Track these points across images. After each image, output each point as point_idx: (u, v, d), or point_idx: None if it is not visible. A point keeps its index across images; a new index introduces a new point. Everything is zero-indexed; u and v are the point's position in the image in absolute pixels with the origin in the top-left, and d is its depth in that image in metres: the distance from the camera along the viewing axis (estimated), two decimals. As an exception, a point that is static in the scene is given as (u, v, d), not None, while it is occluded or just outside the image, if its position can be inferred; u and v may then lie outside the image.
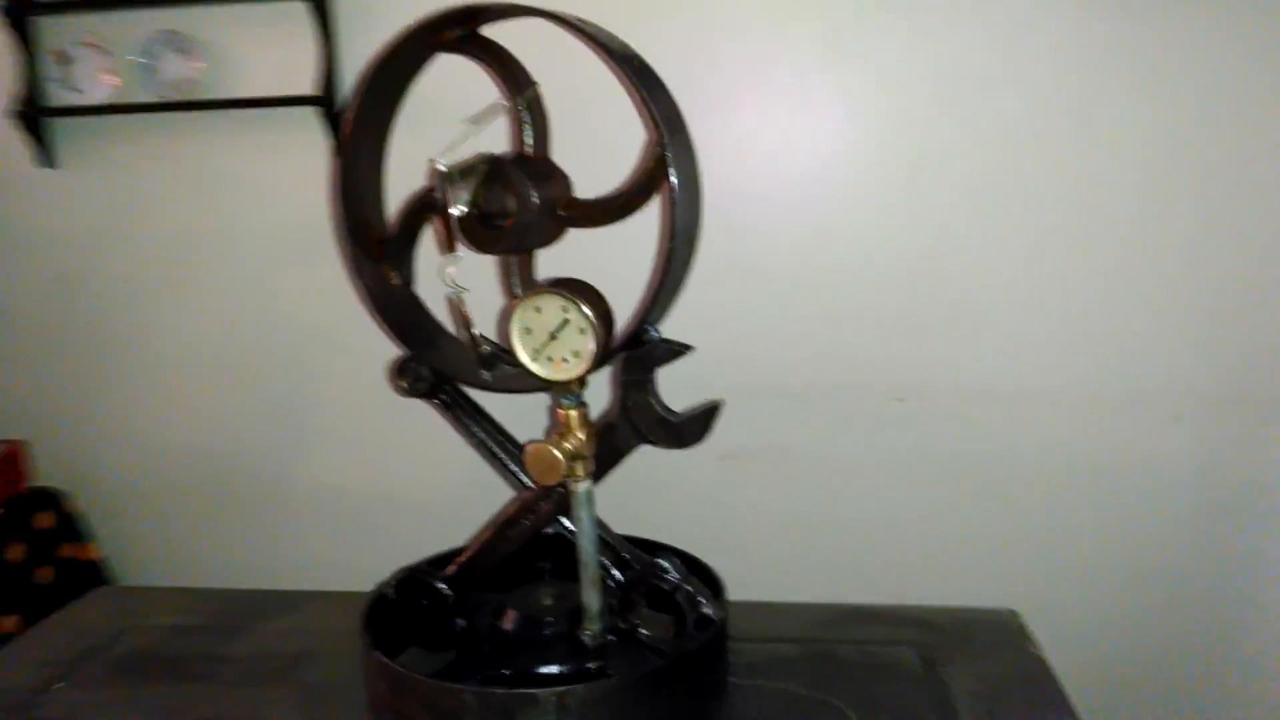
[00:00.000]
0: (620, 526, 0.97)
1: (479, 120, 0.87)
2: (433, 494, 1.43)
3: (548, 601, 0.96)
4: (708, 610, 0.90)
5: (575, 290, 0.81)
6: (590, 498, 0.86)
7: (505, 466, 0.98)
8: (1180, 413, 1.26)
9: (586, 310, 0.80)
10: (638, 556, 0.94)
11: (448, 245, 0.86)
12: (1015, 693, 0.94)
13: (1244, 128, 1.17)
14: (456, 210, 0.83)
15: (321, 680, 0.99)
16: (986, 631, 1.03)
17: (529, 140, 0.88)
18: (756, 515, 1.39)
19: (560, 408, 0.85)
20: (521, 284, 0.90)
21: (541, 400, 0.98)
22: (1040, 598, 1.14)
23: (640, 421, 0.87)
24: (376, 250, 0.94)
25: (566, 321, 0.81)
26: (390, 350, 0.99)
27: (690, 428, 0.87)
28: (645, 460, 0.91)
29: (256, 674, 1.01)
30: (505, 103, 0.88)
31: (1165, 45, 1.17)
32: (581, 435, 0.84)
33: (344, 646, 1.00)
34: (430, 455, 1.39)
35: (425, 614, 0.96)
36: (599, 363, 0.81)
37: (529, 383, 0.88)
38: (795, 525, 1.38)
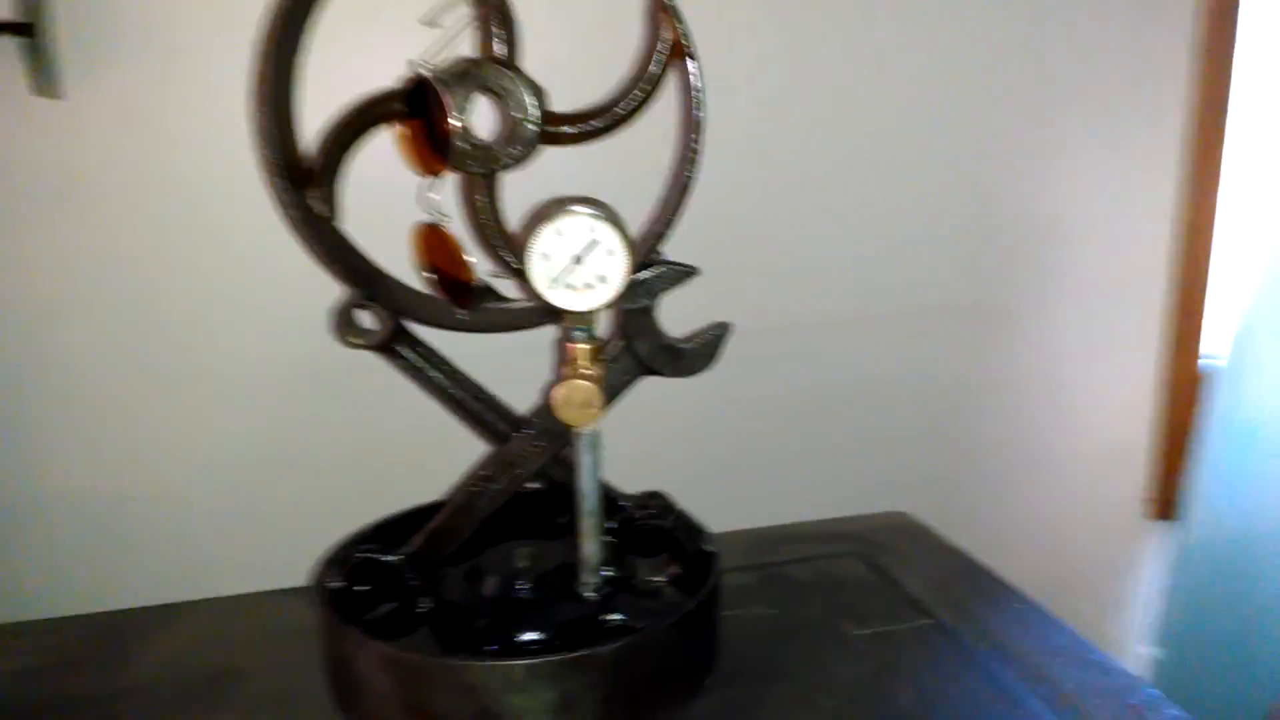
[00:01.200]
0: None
1: (437, 21, 0.75)
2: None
3: (523, 563, 0.86)
4: (709, 545, 0.85)
5: (600, 208, 0.72)
6: (598, 441, 0.78)
7: (478, 418, 0.86)
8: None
9: (618, 230, 0.71)
10: (626, 497, 0.87)
11: (428, 165, 0.73)
12: (964, 584, 0.97)
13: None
14: (456, 122, 0.70)
15: (266, 691, 0.82)
16: (902, 534, 1.07)
17: (499, 48, 0.76)
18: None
19: (572, 341, 0.75)
20: (490, 209, 0.79)
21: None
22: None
23: (644, 351, 0.80)
24: (303, 176, 0.78)
25: (594, 243, 0.72)
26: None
27: (698, 354, 0.81)
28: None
29: (168, 705, 0.82)
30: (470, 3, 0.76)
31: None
32: (597, 371, 0.76)
33: (273, 652, 0.86)
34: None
35: (382, 600, 0.83)
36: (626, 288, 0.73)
37: (517, 318, 0.78)
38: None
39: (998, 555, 1.06)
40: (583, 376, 0.74)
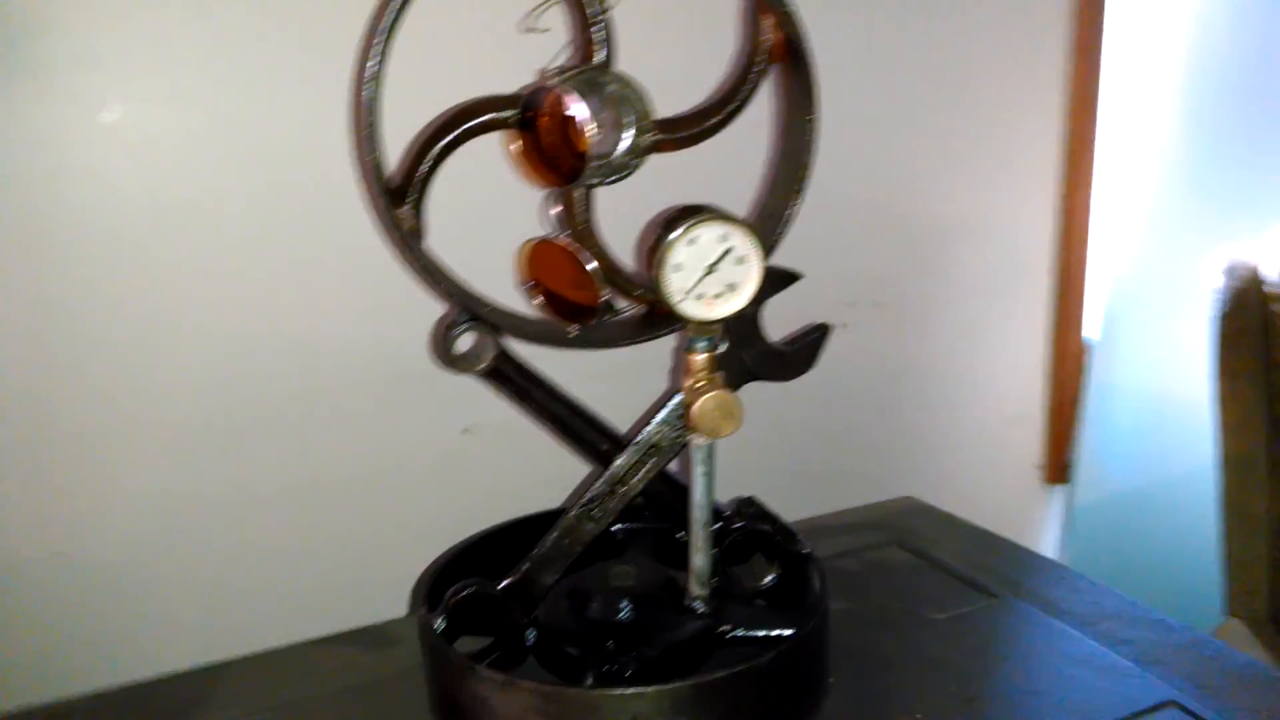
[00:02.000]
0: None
1: (536, 25, 0.72)
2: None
3: (622, 582, 0.83)
4: (805, 547, 0.85)
5: (728, 214, 0.71)
6: (712, 452, 0.77)
7: (579, 436, 0.82)
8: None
9: (751, 236, 0.71)
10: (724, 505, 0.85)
11: (549, 177, 0.70)
12: (1000, 558, 1.01)
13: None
14: (595, 133, 0.68)
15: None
16: (921, 518, 1.10)
17: (600, 54, 0.74)
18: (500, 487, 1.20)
19: (695, 352, 0.74)
20: (589, 223, 0.76)
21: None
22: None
23: (750, 357, 0.79)
24: (396, 194, 0.73)
25: (727, 251, 0.71)
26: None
27: (800, 357, 0.81)
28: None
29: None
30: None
31: None
32: (718, 380, 0.74)
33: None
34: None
35: (481, 634, 0.78)
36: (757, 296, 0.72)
37: (626, 332, 0.76)
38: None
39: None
40: (713, 387, 0.72)
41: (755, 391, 0.81)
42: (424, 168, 0.71)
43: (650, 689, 0.68)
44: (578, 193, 0.73)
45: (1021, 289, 1.49)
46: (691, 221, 0.69)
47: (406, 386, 0.97)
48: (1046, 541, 1.61)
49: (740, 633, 0.79)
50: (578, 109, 0.66)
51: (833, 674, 0.80)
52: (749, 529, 0.82)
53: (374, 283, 0.92)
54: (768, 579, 0.83)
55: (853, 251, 1.29)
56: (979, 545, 1.01)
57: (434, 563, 0.84)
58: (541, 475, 1.02)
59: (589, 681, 0.73)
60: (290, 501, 0.95)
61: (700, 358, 0.73)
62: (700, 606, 0.80)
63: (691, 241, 0.69)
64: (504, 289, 0.81)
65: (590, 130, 0.66)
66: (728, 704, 0.69)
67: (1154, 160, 1.50)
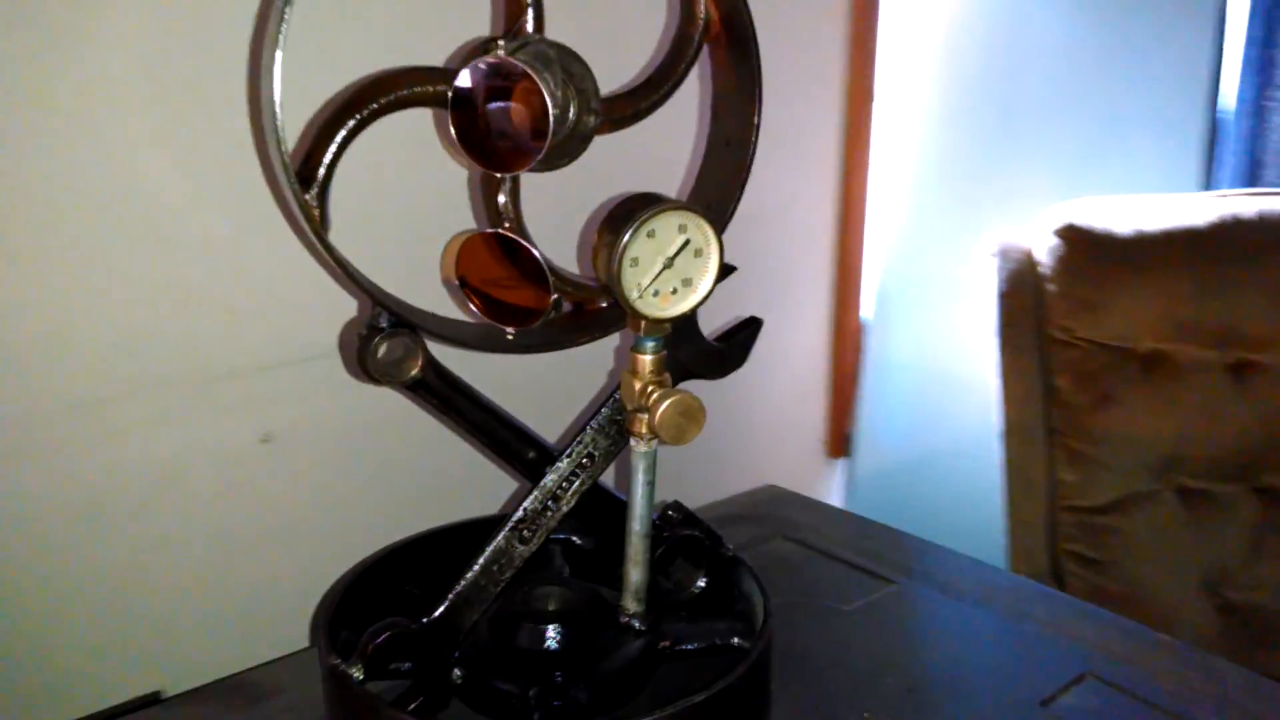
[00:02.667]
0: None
1: None
2: None
3: (551, 604, 0.76)
4: (729, 550, 0.82)
5: (683, 204, 0.67)
6: (654, 460, 0.72)
7: (507, 449, 0.74)
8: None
9: (707, 227, 0.66)
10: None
11: (497, 161, 0.63)
12: (874, 543, 1.02)
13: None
14: (556, 110, 0.61)
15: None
16: (791, 506, 1.10)
17: (529, 23, 0.67)
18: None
19: (642, 353, 0.69)
20: (517, 213, 0.69)
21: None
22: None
23: (688, 356, 0.75)
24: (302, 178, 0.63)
25: (686, 243, 0.66)
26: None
27: (735, 351, 0.77)
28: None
29: None
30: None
31: None
32: (664, 381, 0.70)
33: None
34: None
35: (408, 678, 0.69)
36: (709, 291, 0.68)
37: (565, 334, 0.69)
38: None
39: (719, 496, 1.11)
40: (666, 389, 0.67)
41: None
42: (331, 149, 0.60)
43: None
44: (509, 182, 0.64)
45: (805, 270, 1.52)
46: (650, 212, 0.62)
47: (192, 390, 0.83)
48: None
49: (688, 645, 0.74)
50: (540, 85, 0.57)
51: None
52: (680, 536, 0.77)
53: (153, 272, 0.79)
54: (697, 585, 0.77)
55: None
56: (856, 531, 1.01)
57: (330, 594, 0.73)
58: (347, 486, 0.93)
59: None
60: (65, 522, 0.79)
61: (649, 358, 0.67)
62: (637, 623, 0.74)
63: (650, 234, 0.63)
64: (415, 287, 0.71)
65: (552, 109, 0.58)
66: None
67: (922, 150, 1.57)
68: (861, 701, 0.74)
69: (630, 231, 0.62)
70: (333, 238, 0.62)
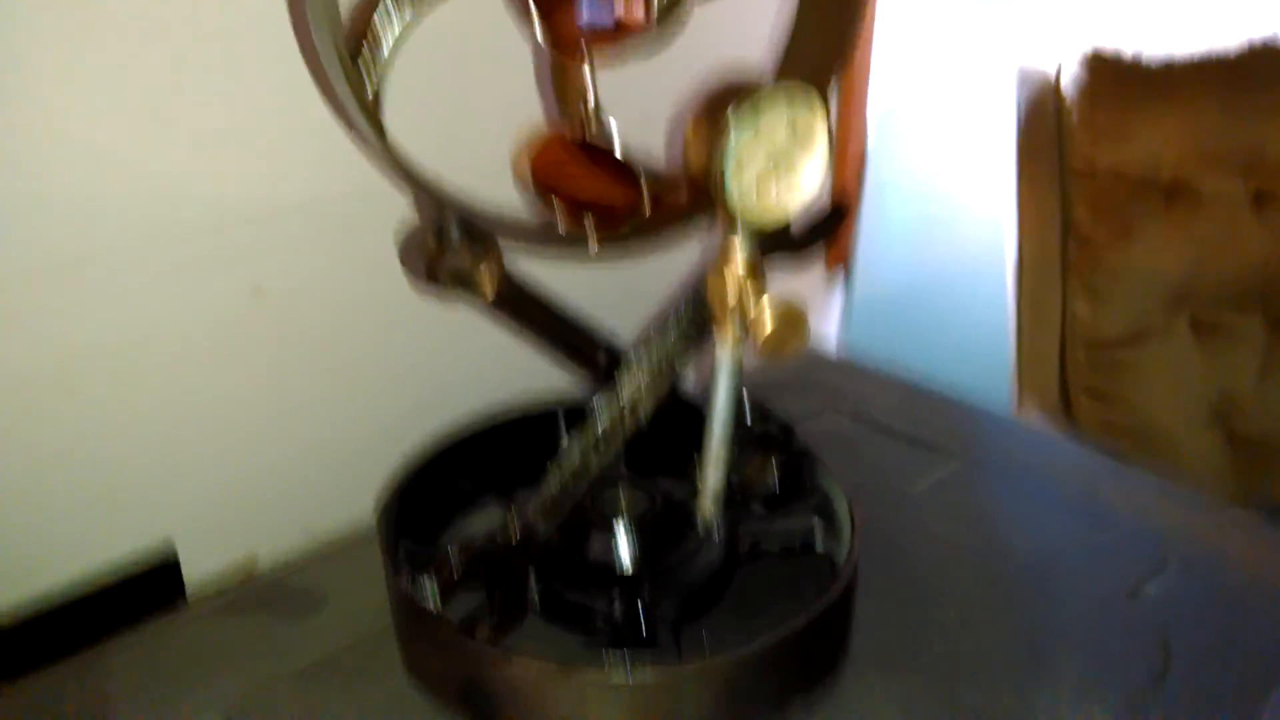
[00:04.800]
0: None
1: None
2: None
3: (625, 510, 0.71)
4: (802, 442, 0.76)
5: (790, 86, 0.57)
6: (741, 362, 0.65)
7: (582, 355, 0.67)
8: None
9: (819, 111, 0.57)
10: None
11: (582, 42, 0.53)
12: (929, 412, 0.98)
13: None
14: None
15: None
16: (832, 372, 1.05)
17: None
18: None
19: (736, 255, 0.61)
20: (593, 108, 0.59)
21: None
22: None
23: (765, 244, 0.66)
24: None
25: (793, 132, 0.57)
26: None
27: (815, 244, 0.69)
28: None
29: None
30: None
31: None
32: (760, 283, 0.62)
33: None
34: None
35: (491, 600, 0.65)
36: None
37: (655, 237, 0.61)
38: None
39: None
40: (765, 295, 0.59)
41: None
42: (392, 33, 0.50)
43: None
44: (579, 81, 0.54)
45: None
46: (753, 98, 0.53)
47: (176, 245, 0.73)
48: (827, 332, 1.61)
49: (767, 548, 0.69)
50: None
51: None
52: (757, 433, 0.71)
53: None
54: (769, 481, 0.72)
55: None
56: (905, 399, 0.96)
57: (385, 504, 0.68)
58: (348, 343, 0.84)
59: (608, 636, 0.64)
60: (45, 389, 0.71)
61: (744, 258, 0.59)
62: (715, 528, 0.69)
63: (753, 124, 0.54)
64: (481, 187, 0.61)
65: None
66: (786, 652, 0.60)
67: None
68: (945, 598, 0.70)
69: (730, 123, 0.53)
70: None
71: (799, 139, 0.55)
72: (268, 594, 0.74)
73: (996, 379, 1.53)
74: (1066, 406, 1.45)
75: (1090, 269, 1.39)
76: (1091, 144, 1.36)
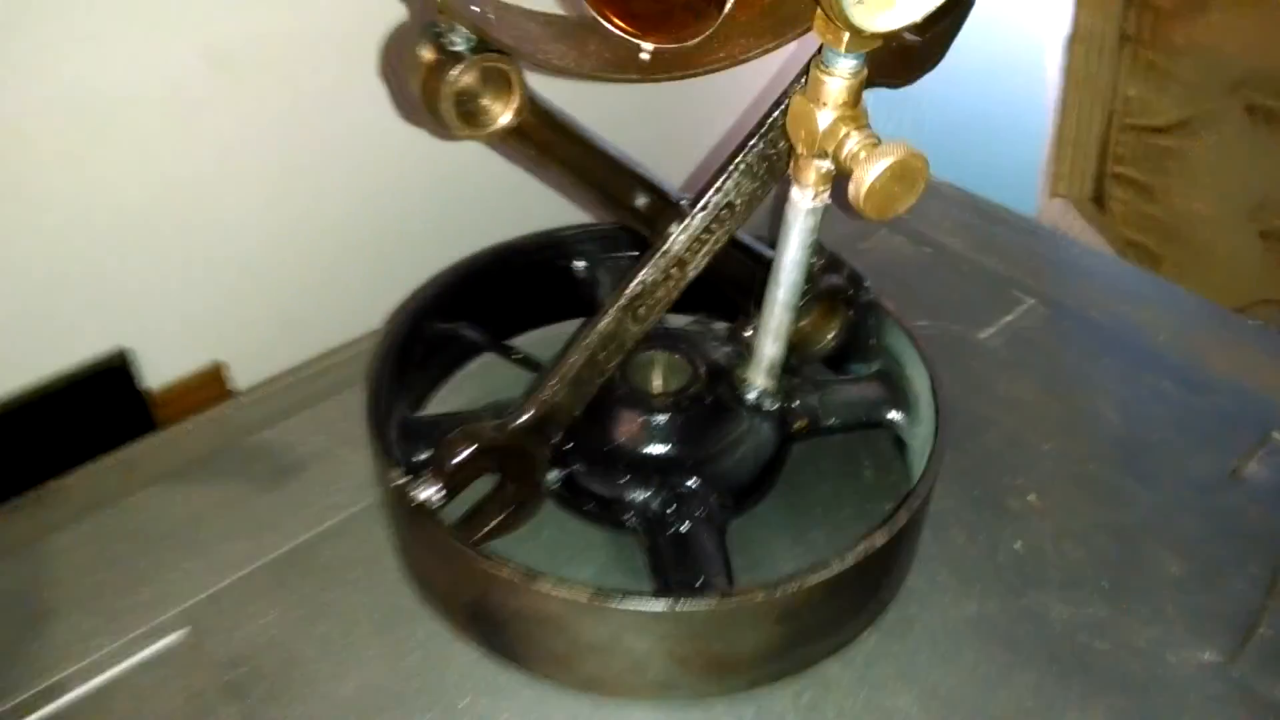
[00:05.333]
0: None
1: None
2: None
3: (660, 380, 0.59)
4: (869, 292, 0.63)
5: None
6: (819, 214, 0.50)
7: (613, 196, 0.51)
8: None
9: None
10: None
11: None
12: (992, 228, 0.85)
13: None
14: None
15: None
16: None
17: None
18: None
19: (832, 73, 0.45)
20: None
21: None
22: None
23: (877, 58, 0.50)
24: None
25: (933, -88, 0.40)
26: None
27: (932, 47, 0.53)
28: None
29: None
30: None
31: None
32: (861, 118, 0.47)
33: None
34: None
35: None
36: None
37: (725, 46, 0.45)
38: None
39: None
40: (873, 139, 0.44)
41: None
42: None
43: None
44: None
45: None
46: None
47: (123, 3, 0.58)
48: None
49: (829, 423, 0.57)
50: None
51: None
52: (825, 286, 0.57)
53: None
54: (830, 339, 0.60)
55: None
56: (965, 211, 0.82)
57: (374, 366, 0.56)
58: (321, 116, 0.69)
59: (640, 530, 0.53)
60: None
61: (845, 83, 0.43)
62: (767, 401, 0.56)
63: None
64: None
65: None
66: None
67: None
68: (1022, 481, 0.59)
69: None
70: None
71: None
72: (237, 450, 0.61)
73: (1019, 164, 1.41)
74: (1099, 196, 1.33)
75: (1150, 44, 1.24)
76: (1171, -103, 1.16)
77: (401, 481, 0.49)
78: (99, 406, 0.65)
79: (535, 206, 0.75)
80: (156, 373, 0.68)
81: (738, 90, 0.82)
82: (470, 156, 0.71)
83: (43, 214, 0.60)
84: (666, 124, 0.73)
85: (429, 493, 0.49)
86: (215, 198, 0.66)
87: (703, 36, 0.40)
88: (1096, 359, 0.69)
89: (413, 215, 0.74)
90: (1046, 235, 0.81)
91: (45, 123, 0.58)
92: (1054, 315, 0.72)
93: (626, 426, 0.55)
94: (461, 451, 0.49)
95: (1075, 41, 1.28)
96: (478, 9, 0.39)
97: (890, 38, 0.43)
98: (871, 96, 0.46)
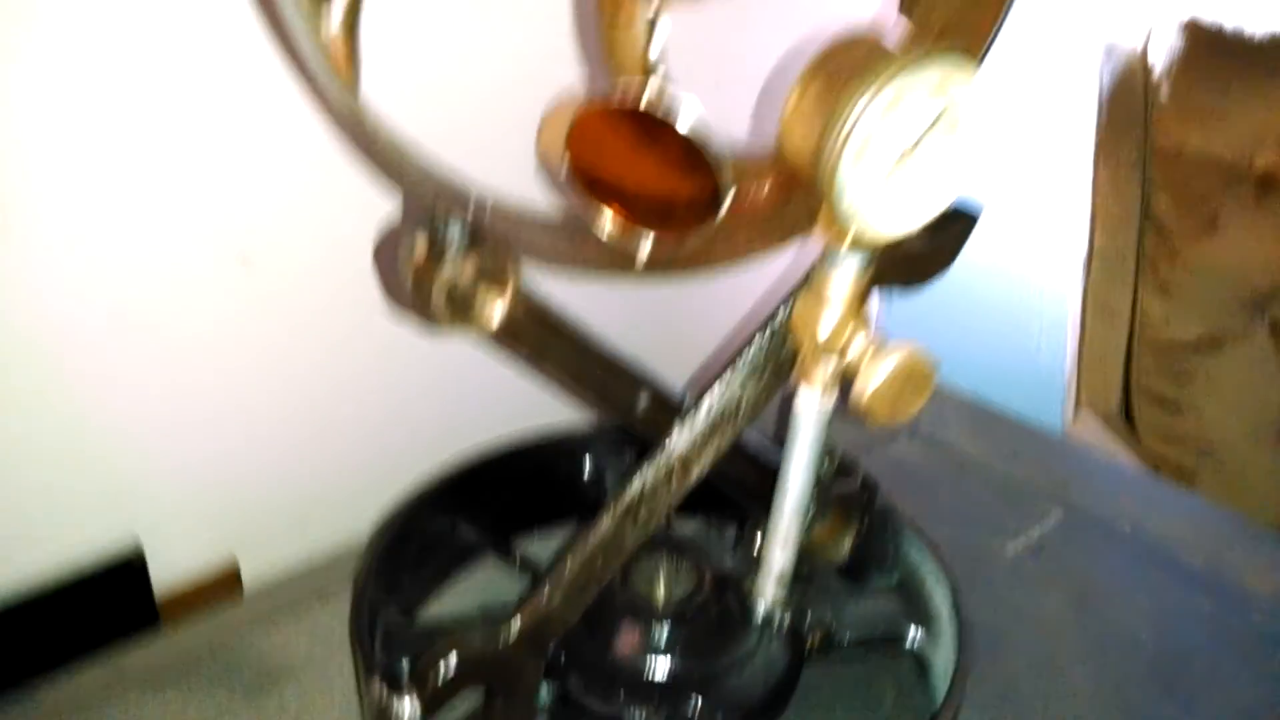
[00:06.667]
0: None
1: None
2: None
3: (663, 590, 0.55)
4: (886, 499, 0.59)
5: (938, 54, 0.39)
6: (826, 420, 0.48)
7: (624, 405, 0.49)
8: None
9: (971, 84, 0.40)
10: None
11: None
12: (1005, 437, 0.82)
13: None
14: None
15: None
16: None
17: None
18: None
19: (839, 274, 0.43)
20: (656, 72, 0.41)
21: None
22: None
23: (882, 260, 0.49)
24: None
25: (941, 115, 0.39)
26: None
27: (945, 254, 0.51)
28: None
29: None
30: None
31: None
32: (867, 318, 0.45)
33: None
34: None
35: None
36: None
37: (728, 246, 0.44)
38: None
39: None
40: (877, 342, 0.42)
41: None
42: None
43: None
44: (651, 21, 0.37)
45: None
46: (895, 67, 0.35)
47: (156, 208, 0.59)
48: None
49: (843, 637, 0.53)
50: None
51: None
52: (837, 492, 0.54)
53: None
54: (844, 549, 0.56)
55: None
56: (978, 418, 0.79)
57: (361, 570, 0.52)
58: (343, 315, 0.69)
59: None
60: (13, 364, 0.58)
61: (851, 282, 0.41)
62: (779, 612, 0.52)
63: (891, 101, 0.36)
64: (491, 173, 0.44)
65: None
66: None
67: None
68: (1056, 706, 0.53)
69: (861, 99, 0.36)
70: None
71: (946, 123, 0.37)
72: (230, 653, 0.58)
73: (1046, 380, 1.40)
74: (1128, 412, 1.30)
75: (1168, 263, 1.25)
76: (1181, 123, 1.20)
77: (378, 695, 0.45)
78: (108, 603, 0.63)
79: (548, 401, 0.74)
80: (166, 567, 0.66)
81: (743, 287, 0.82)
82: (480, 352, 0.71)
83: (65, 401, 0.60)
84: (669, 321, 0.72)
85: (408, 710, 0.45)
86: (238, 399, 0.66)
87: (698, 239, 0.39)
88: (1128, 573, 0.65)
89: (426, 411, 0.73)
90: (1071, 447, 0.78)
91: (69, 319, 0.58)
92: (1081, 528, 0.68)
93: (626, 638, 0.51)
94: (445, 664, 0.46)
95: (1093, 260, 1.28)
96: (473, 203, 0.38)
97: (894, 242, 0.42)
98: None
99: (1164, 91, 1.22)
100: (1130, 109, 1.28)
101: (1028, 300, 1.46)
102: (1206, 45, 1.20)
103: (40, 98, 0.52)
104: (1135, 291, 1.31)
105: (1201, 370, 1.26)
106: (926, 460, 0.75)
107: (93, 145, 0.55)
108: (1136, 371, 1.30)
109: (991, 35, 0.44)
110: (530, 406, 0.70)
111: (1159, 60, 1.20)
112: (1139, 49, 1.23)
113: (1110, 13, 1.30)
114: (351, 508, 0.69)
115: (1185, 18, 1.18)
